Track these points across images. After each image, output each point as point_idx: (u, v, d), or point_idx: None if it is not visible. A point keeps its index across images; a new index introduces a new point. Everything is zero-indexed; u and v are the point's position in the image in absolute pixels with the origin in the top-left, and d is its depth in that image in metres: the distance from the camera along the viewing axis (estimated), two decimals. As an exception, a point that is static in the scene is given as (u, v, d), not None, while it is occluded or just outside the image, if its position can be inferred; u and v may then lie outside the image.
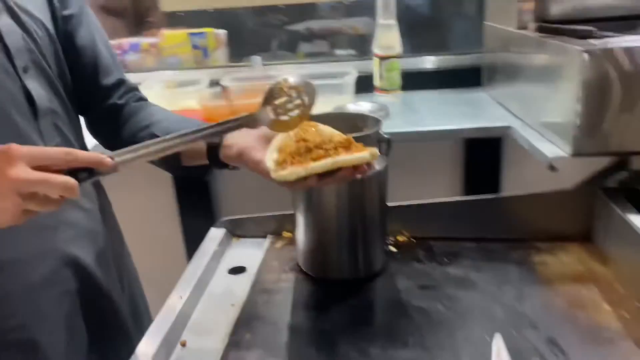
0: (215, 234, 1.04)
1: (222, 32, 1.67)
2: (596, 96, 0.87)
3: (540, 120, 1.08)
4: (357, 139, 0.71)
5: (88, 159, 0.59)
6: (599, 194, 0.95)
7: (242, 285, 0.91)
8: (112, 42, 1.08)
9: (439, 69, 1.55)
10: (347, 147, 0.69)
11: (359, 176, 0.68)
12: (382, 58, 1.38)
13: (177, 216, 1.66)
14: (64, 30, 0.80)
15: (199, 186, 1.63)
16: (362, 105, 1.31)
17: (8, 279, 0.74)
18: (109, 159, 0.60)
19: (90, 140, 0.91)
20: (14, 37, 0.71)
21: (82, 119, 0.89)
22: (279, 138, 0.72)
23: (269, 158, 0.70)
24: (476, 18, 1.53)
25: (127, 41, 1.60)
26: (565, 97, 0.92)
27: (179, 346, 0.78)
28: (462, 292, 0.87)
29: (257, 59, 1.39)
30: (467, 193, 1.56)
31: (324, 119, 0.77)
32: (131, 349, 0.89)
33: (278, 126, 0.69)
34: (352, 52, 1.84)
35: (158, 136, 0.81)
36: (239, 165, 0.78)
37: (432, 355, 0.72)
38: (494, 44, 1.36)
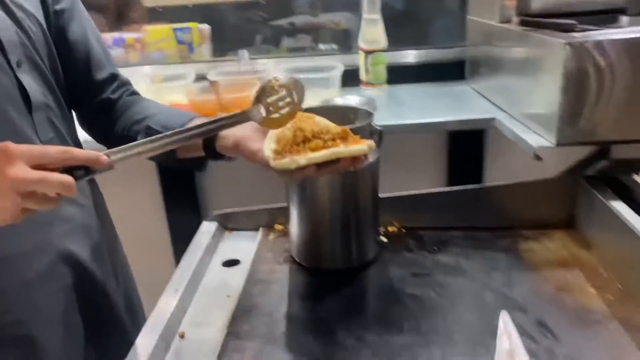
0: (208, 228, 1.05)
1: (206, 27, 1.66)
2: (578, 87, 0.90)
3: (524, 111, 1.11)
4: (351, 131, 0.72)
5: (84, 157, 0.60)
6: (582, 183, 0.98)
7: (236, 277, 0.92)
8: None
9: (423, 63, 1.57)
10: (344, 138, 0.71)
11: (357, 167, 0.70)
12: (368, 52, 1.40)
13: (163, 211, 1.66)
14: (56, 25, 0.80)
15: (185, 181, 1.63)
16: (350, 99, 1.32)
17: (4, 275, 0.74)
18: (104, 157, 0.61)
19: (81, 134, 0.91)
20: (8, 32, 0.71)
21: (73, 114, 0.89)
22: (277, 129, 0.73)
23: (267, 148, 0.71)
24: (458, 12, 1.56)
25: (110, 36, 1.58)
26: (549, 89, 0.95)
27: (177, 338, 0.79)
28: (453, 278, 0.89)
29: (244, 53, 1.39)
30: (451, 184, 1.58)
31: (317, 111, 0.78)
32: (127, 343, 0.90)
33: (269, 123, 0.70)
34: (334, 46, 1.85)
35: (153, 129, 0.82)
36: (235, 155, 0.79)
37: (428, 340, 0.74)
38: (477, 37, 1.39)
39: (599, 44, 0.88)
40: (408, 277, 0.90)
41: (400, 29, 1.56)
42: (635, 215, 0.84)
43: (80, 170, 0.60)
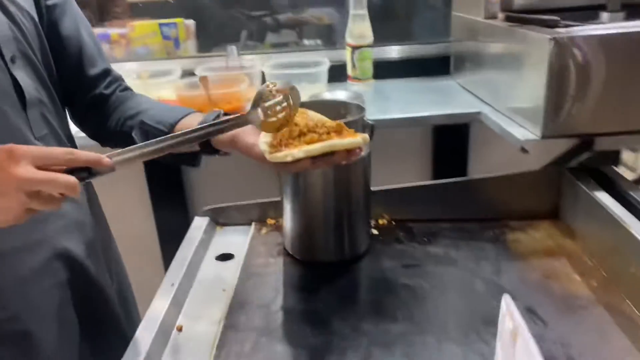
0: (200, 223, 1.05)
1: (191, 23, 1.66)
2: (563, 82, 0.93)
3: (509, 105, 1.13)
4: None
5: (87, 158, 0.61)
6: (566, 174, 1.01)
7: (231, 271, 0.93)
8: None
9: (408, 58, 1.59)
10: (338, 132, 0.72)
11: (352, 159, 0.71)
12: (355, 47, 1.41)
13: (150, 207, 1.65)
14: (48, 20, 0.80)
15: (172, 177, 1.63)
16: (338, 94, 1.34)
17: (-1, 271, 0.73)
18: (107, 159, 0.62)
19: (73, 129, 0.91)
20: (1, 27, 0.70)
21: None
22: None
23: (263, 141, 0.72)
24: (442, 8, 1.58)
25: (94, 31, 1.57)
26: (534, 83, 0.98)
27: (175, 331, 0.79)
28: (443, 268, 0.91)
29: (233, 49, 1.39)
30: (436, 177, 1.61)
31: (309, 106, 0.79)
32: (122, 338, 0.91)
33: (267, 126, 0.72)
34: (319, 41, 1.86)
35: (147, 124, 0.82)
36: (230, 150, 0.80)
37: (422, 328, 0.76)
38: (462, 33, 1.41)
39: (583, 40, 0.91)
40: (399, 268, 0.92)
41: (386, 24, 1.58)
42: (618, 205, 0.87)
43: (84, 172, 0.61)
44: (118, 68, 0.94)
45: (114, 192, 1.60)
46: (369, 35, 1.41)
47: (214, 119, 0.79)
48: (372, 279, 0.91)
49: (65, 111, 0.86)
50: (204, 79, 1.27)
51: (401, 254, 0.96)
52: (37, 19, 0.77)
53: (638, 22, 0.98)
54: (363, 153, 0.86)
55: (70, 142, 0.85)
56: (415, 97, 1.42)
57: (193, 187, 1.66)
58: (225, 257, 0.98)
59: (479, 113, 1.24)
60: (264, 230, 1.05)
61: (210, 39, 1.75)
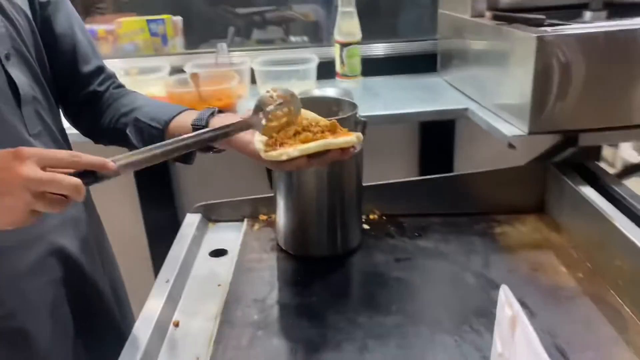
0: (192, 220, 1.06)
1: (179, 19, 1.65)
2: (549, 79, 0.95)
3: (496, 102, 1.16)
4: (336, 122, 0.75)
5: (92, 161, 0.61)
6: (551, 169, 1.04)
7: (225, 266, 0.94)
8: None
9: (395, 56, 1.61)
10: (332, 130, 0.74)
11: (346, 158, 0.73)
12: (343, 45, 1.43)
13: (138, 205, 1.65)
14: (42, 17, 0.80)
15: (159, 174, 1.63)
16: (328, 91, 1.35)
17: (-5, 268, 0.73)
18: (111, 163, 0.62)
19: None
20: (-4, 24, 0.70)
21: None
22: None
23: (258, 140, 0.73)
24: (429, 6, 1.60)
25: (81, 28, 1.55)
26: (520, 80, 1.00)
27: (172, 327, 0.80)
28: (434, 262, 0.93)
29: (222, 45, 1.39)
30: (423, 173, 1.63)
31: (302, 103, 0.80)
32: (116, 333, 0.91)
33: (269, 130, 0.73)
34: (305, 38, 1.87)
35: (141, 121, 0.83)
36: (226, 147, 0.80)
37: (415, 320, 0.78)
38: (449, 31, 1.43)
39: (568, 38, 0.93)
40: (391, 262, 0.94)
41: (373, 22, 1.60)
42: (602, 199, 0.90)
43: (90, 176, 0.61)
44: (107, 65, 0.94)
45: (102, 189, 1.59)
46: (357, 33, 1.43)
47: (209, 116, 0.80)
48: (365, 273, 0.93)
49: (58, 108, 0.86)
50: (194, 76, 1.27)
51: (393, 248, 0.98)
52: (30, 16, 0.77)
53: (619, 21, 1.01)
54: (356, 150, 0.89)
55: (64, 139, 0.85)
56: (403, 94, 1.44)
57: (181, 184, 1.66)
58: (218, 253, 0.99)
59: (466, 109, 1.26)
60: (256, 226, 1.06)
61: (196, 35, 1.75)
